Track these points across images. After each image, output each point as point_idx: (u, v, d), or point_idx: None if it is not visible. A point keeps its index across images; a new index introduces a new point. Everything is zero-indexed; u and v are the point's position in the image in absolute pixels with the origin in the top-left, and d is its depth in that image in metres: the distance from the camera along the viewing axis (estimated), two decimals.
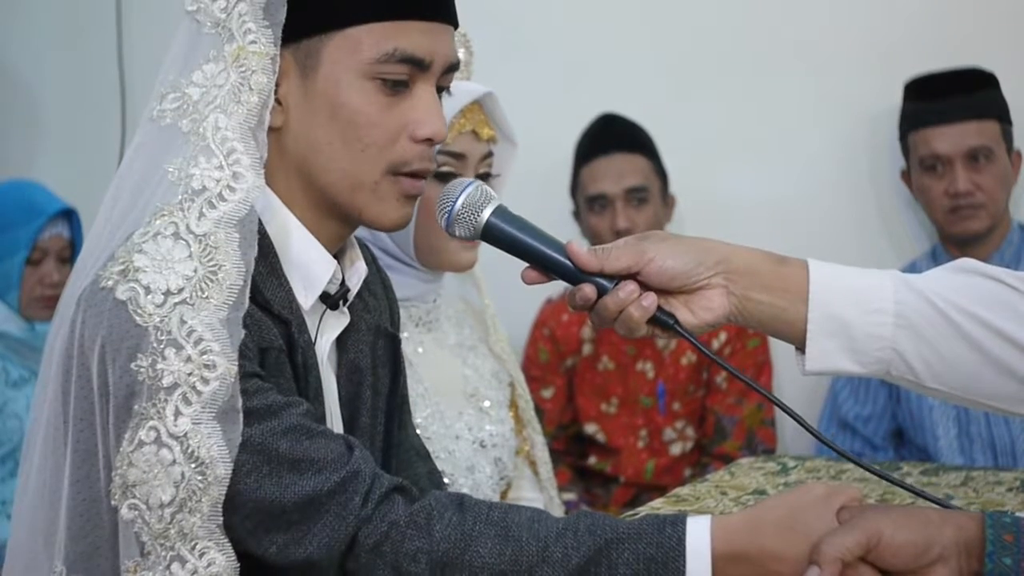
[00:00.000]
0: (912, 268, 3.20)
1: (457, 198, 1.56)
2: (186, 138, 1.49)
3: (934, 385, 1.55)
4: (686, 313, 1.55)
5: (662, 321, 1.54)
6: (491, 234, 1.56)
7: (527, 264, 1.58)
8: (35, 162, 4.20)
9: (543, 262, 1.56)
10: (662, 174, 3.35)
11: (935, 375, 1.54)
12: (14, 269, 3.20)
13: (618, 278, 1.54)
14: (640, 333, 1.55)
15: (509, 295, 3.11)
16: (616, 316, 1.53)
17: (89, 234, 1.60)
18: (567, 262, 1.55)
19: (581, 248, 1.55)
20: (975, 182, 3.03)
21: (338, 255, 1.63)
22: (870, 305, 1.53)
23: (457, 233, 1.57)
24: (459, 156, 2.24)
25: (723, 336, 3.31)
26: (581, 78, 3.58)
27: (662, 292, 1.54)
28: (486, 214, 1.56)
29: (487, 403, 2.35)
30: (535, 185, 3.48)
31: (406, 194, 1.58)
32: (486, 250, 2.35)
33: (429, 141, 1.56)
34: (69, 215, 3.29)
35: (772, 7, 3.43)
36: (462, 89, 2.23)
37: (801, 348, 1.57)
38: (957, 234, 3.08)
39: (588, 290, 1.54)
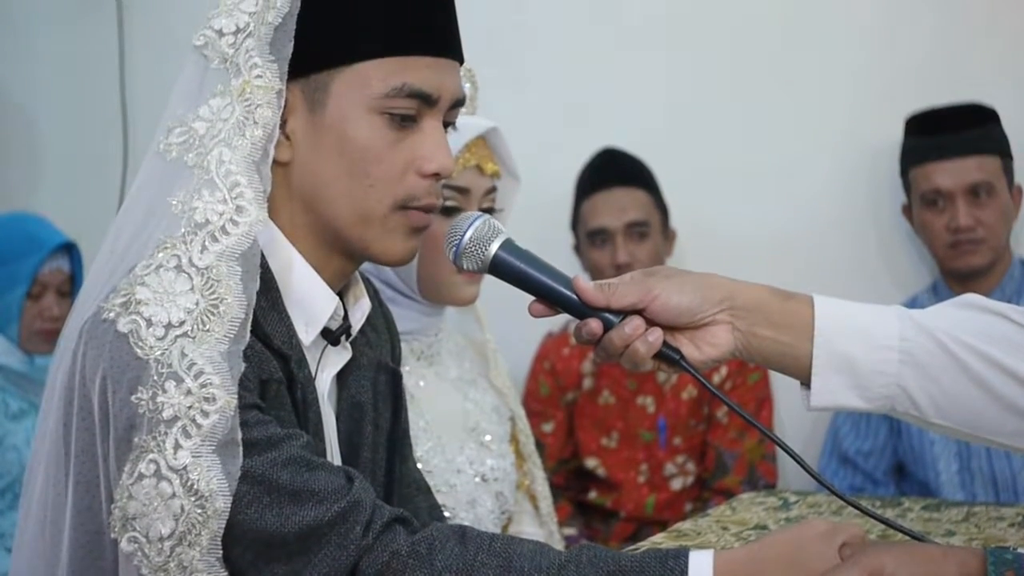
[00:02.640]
0: (913, 302, 3.20)
1: (465, 232, 1.56)
2: (190, 171, 1.50)
3: (938, 421, 1.55)
4: (691, 348, 1.55)
5: (668, 357, 1.54)
6: (498, 268, 1.57)
7: (533, 298, 1.58)
8: (36, 194, 4.21)
9: (550, 296, 1.57)
10: (663, 208, 3.35)
11: (940, 411, 1.54)
12: (14, 302, 3.20)
13: (624, 313, 1.54)
14: (646, 368, 1.55)
15: (510, 328, 3.11)
16: (622, 351, 1.54)
17: (92, 266, 1.60)
18: (573, 297, 1.55)
19: (588, 283, 1.55)
20: (976, 217, 3.03)
21: (342, 291, 1.63)
22: (875, 341, 1.53)
23: (465, 266, 1.58)
24: (463, 190, 2.24)
25: (724, 370, 3.30)
26: (582, 113, 3.59)
27: (667, 327, 1.55)
28: (494, 248, 1.56)
29: (488, 437, 2.35)
30: (536, 219, 3.48)
31: (414, 227, 1.58)
32: (487, 283, 2.36)
33: (436, 176, 1.57)
34: (70, 249, 3.29)
35: (772, 42, 3.43)
36: (467, 124, 2.23)
37: (806, 384, 1.57)
38: (958, 269, 3.08)
39: (594, 325, 1.54)
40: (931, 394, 1.53)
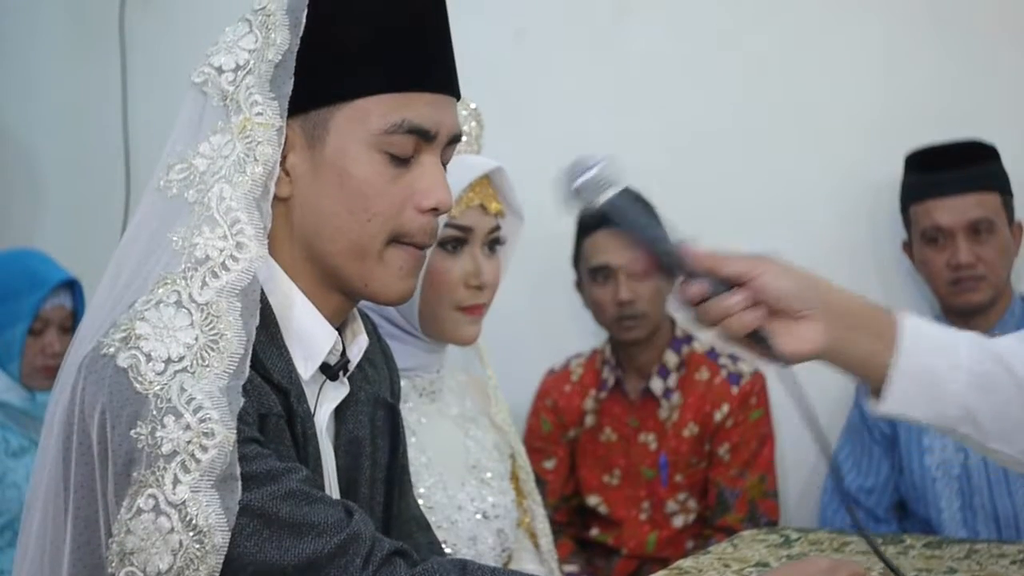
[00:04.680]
0: None
1: (589, 168, 1.58)
2: (191, 208, 1.51)
3: (997, 445, 1.59)
4: (785, 339, 1.57)
5: (761, 337, 1.55)
6: (613, 211, 1.57)
7: (638, 252, 1.59)
8: (38, 231, 4.22)
9: (656, 251, 1.56)
10: None
11: (1003, 436, 1.58)
12: (16, 339, 3.20)
13: (728, 285, 1.54)
14: (735, 342, 1.57)
15: (510, 366, 3.10)
16: (718, 321, 1.55)
17: (91, 301, 1.61)
18: (679, 255, 1.55)
19: (698, 247, 1.56)
20: (976, 254, 3.03)
21: (340, 328, 1.64)
22: (953, 361, 1.58)
23: (581, 200, 1.58)
24: (466, 229, 2.25)
25: (725, 408, 3.29)
26: (582, 149, 3.58)
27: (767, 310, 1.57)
28: (611, 193, 1.57)
29: (489, 474, 2.34)
30: (537, 255, 3.49)
31: (409, 264, 1.59)
32: (488, 321, 2.36)
33: (434, 211, 1.58)
34: (72, 285, 3.29)
35: (773, 77, 3.45)
36: (471, 163, 2.25)
37: (876, 391, 1.60)
38: (959, 306, 3.08)
39: (698, 288, 1.55)
40: (995, 417, 1.56)
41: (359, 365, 1.68)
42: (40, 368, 3.22)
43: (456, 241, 2.24)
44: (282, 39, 1.53)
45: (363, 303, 1.68)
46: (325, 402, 1.62)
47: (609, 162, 1.58)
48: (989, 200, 3.06)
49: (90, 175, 4.17)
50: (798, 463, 3.38)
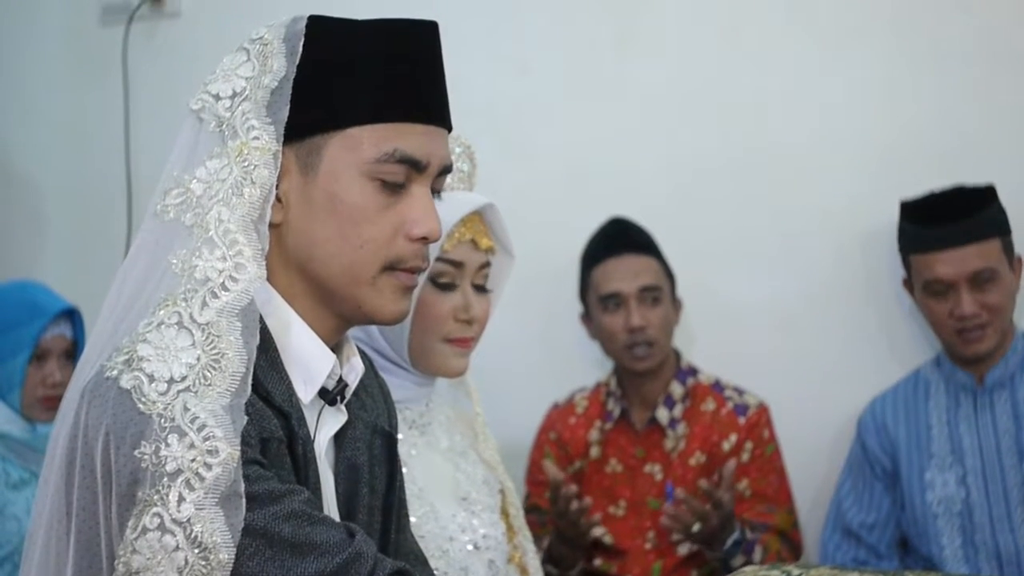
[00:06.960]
0: (916, 376, 3.18)
1: None
2: (189, 231, 1.53)
3: None
4: None
5: None
6: None
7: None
8: (40, 262, 4.22)
9: None
10: (670, 276, 3.36)
11: None
12: (16, 369, 3.19)
13: None
14: None
15: (509, 401, 3.09)
16: None
17: (93, 330, 1.61)
18: None
19: None
20: (980, 302, 2.98)
21: (335, 350, 1.65)
22: None
23: None
24: (457, 264, 2.26)
25: (733, 438, 3.27)
26: (583, 185, 3.60)
27: None
28: None
29: (479, 506, 2.34)
30: (539, 290, 3.49)
31: (403, 286, 1.60)
32: (487, 356, 2.36)
33: (424, 240, 1.59)
34: (71, 315, 3.29)
35: (773, 115, 3.45)
36: (463, 199, 2.26)
37: None
38: (967, 356, 3.04)
39: None
40: None
41: (356, 393, 1.70)
42: (41, 399, 3.21)
43: (446, 275, 2.25)
44: (279, 66, 1.55)
45: (355, 335, 1.69)
46: (324, 427, 1.63)
47: None
48: (990, 248, 3.01)
49: (92, 205, 4.17)
50: (800, 499, 3.37)
